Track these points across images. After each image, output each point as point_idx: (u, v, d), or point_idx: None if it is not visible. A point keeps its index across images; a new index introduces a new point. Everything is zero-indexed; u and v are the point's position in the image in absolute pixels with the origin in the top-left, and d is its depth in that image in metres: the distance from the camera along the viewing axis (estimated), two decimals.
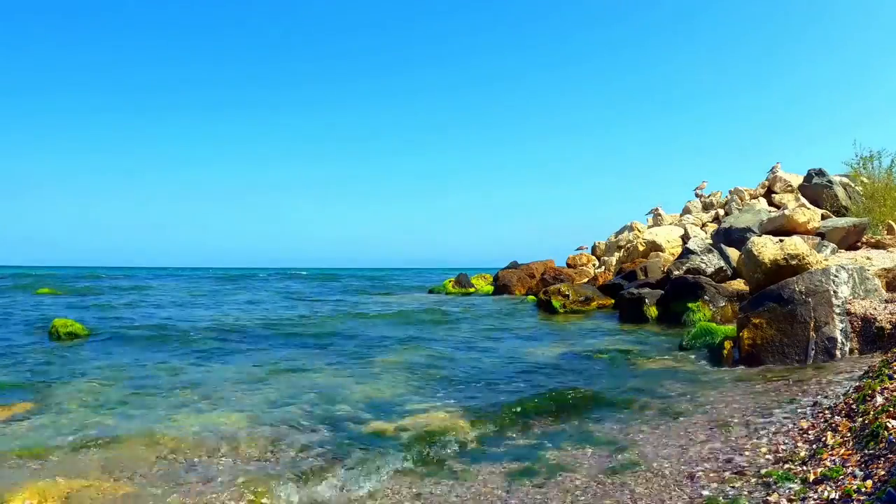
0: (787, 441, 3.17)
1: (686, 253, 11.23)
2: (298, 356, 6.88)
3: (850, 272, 5.82)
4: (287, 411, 4.29)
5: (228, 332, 9.17)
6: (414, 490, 3.03)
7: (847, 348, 5.04)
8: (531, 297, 14.45)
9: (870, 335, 5.07)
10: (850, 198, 13.99)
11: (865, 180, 14.02)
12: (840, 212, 13.44)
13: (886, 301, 5.77)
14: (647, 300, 9.52)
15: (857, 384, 3.82)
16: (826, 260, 8.30)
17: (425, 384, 5.33)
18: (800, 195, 15.05)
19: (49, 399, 4.56)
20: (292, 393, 4.85)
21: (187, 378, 5.48)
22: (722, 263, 10.12)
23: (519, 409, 4.37)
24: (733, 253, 10.20)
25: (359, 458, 3.38)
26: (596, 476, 3.04)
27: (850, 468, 2.43)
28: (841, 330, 5.08)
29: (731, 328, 6.40)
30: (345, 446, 3.58)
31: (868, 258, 8.68)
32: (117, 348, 7.39)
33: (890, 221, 12.11)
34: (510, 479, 3.09)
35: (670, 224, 16.77)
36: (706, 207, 17.56)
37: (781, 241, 7.45)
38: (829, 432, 3.03)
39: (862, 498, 2.11)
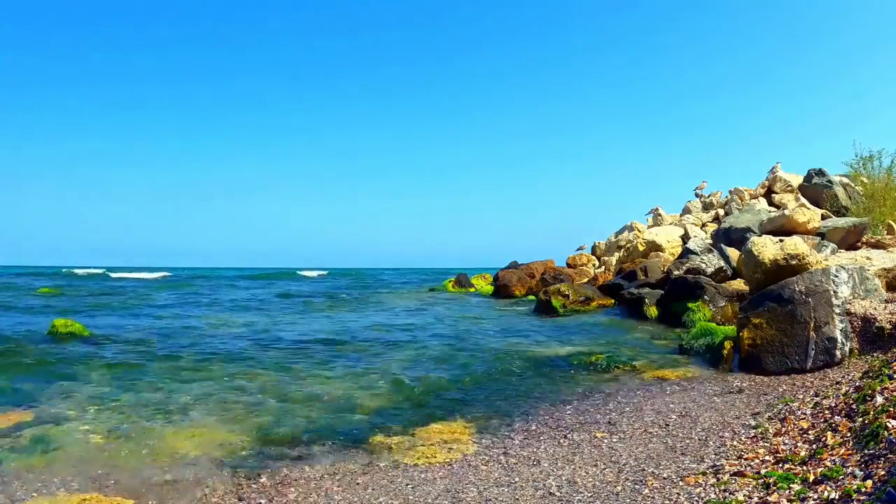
0: (787, 441, 3.17)
1: (686, 253, 11.23)
2: (300, 361, 6.89)
3: (850, 272, 5.82)
4: (290, 415, 4.30)
5: (226, 336, 9.17)
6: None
7: (847, 348, 5.03)
8: (531, 297, 14.45)
9: (870, 335, 5.07)
10: (850, 198, 13.99)
11: (865, 180, 14.01)
12: (840, 212, 13.43)
13: (886, 301, 5.77)
14: (646, 300, 9.52)
15: (857, 384, 3.82)
16: (826, 260, 8.29)
17: (422, 389, 5.34)
18: (800, 195, 15.05)
19: (47, 406, 4.54)
20: (294, 398, 4.85)
21: (188, 383, 5.47)
22: (722, 263, 10.12)
23: (519, 410, 4.38)
24: (733, 253, 10.19)
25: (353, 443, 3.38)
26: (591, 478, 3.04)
27: (850, 468, 2.43)
28: (841, 330, 5.07)
29: (731, 328, 6.40)
30: (342, 443, 3.58)
31: (868, 258, 8.68)
32: (118, 350, 7.38)
33: (890, 221, 12.10)
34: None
35: (670, 224, 16.77)
36: (706, 207, 17.56)
37: (781, 241, 7.45)
38: (829, 432, 3.03)
39: (862, 498, 2.11)
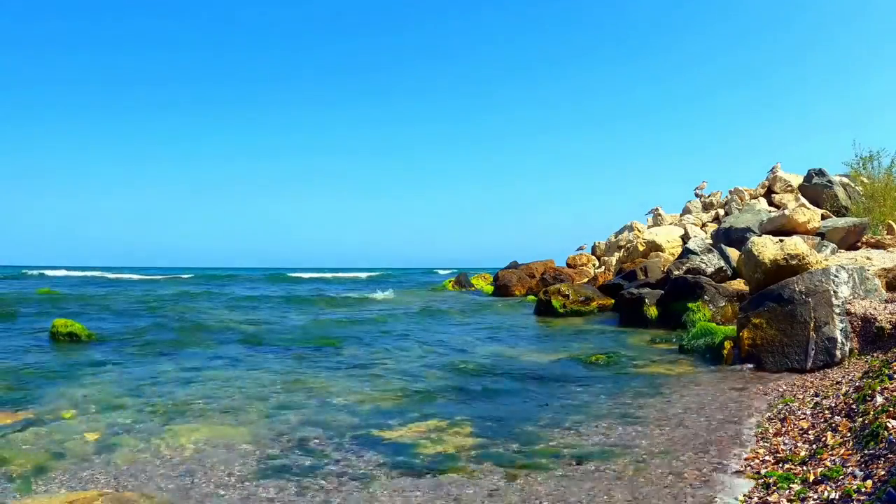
0: (787, 441, 3.17)
1: (686, 253, 11.23)
2: (300, 368, 6.89)
3: (850, 272, 5.82)
4: (290, 417, 4.29)
5: (229, 338, 9.17)
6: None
7: (847, 348, 5.04)
8: (531, 297, 14.46)
9: (870, 335, 5.07)
10: (850, 198, 14.00)
11: (865, 180, 14.02)
12: (840, 212, 13.44)
13: (886, 301, 5.77)
14: (646, 300, 9.52)
15: (857, 384, 3.82)
16: (826, 260, 8.30)
17: (419, 390, 5.34)
18: (800, 195, 15.05)
19: (48, 405, 4.54)
20: (297, 401, 4.85)
21: (190, 384, 5.47)
22: (722, 263, 10.12)
23: (520, 416, 4.38)
24: (733, 253, 10.19)
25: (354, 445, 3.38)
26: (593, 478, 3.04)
27: (850, 468, 2.44)
28: (841, 330, 5.08)
29: (731, 328, 6.40)
30: (337, 439, 3.59)
31: (868, 258, 8.68)
32: (118, 351, 7.39)
33: (890, 221, 12.11)
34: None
35: (670, 224, 16.78)
36: (706, 207, 17.57)
37: (781, 241, 7.45)
38: (829, 432, 3.03)
39: (862, 498, 2.11)
